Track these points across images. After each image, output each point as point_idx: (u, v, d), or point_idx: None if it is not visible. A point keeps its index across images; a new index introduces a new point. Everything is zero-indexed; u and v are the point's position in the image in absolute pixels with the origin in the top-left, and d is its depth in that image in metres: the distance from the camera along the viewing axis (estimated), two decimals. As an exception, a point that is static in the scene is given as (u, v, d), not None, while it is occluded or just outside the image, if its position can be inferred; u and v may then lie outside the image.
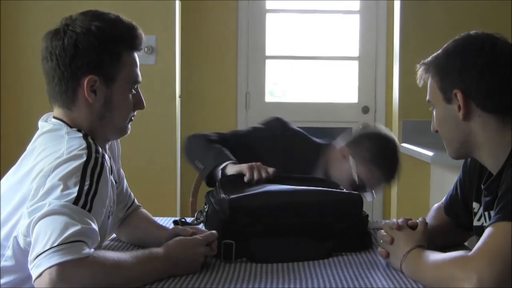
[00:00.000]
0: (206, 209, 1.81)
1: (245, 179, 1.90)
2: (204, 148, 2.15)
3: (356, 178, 2.16)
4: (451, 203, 1.73)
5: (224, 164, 2.02)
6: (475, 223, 1.61)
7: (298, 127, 2.39)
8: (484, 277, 1.23)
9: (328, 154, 2.28)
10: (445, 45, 1.53)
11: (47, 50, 1.51)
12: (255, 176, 1.90)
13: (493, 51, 1.46)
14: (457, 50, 1.50)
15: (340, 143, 2.29)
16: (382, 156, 2.20)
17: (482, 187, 1.54)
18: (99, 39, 1.49)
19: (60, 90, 1.51)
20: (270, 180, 1.91)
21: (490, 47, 1.46)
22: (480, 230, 1.43)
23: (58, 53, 1.49)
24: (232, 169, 1.99)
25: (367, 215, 1.77)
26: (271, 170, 1.93)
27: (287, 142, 2.30)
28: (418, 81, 1.57)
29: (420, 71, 1.56)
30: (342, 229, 1.70)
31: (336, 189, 1.87)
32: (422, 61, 1.56)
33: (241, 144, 2.24)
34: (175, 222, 1.89)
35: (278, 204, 1.69)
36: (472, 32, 1.52)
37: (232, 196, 1.68)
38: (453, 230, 1.72)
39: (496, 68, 1.45)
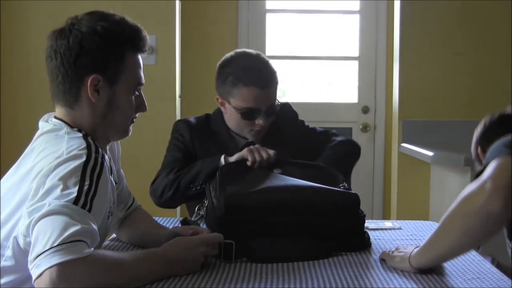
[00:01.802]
0: (206, 204, 1.82)
1: (248, 162, 1.91)
2: (185, 173, 2.09)
3: (237, 109, 2.13)
4: None
5: (221, 160, 2.01)
6: None
7: None
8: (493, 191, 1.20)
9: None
10: None
11: (52, 48, 1.51)
12: (257, 157, 1.90)
13: None
14: None
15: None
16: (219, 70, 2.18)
17: None
18: (104, 39, 1.49)
19: (63, 89, 1.51)
20: (271, 164, 1.91)
21: None
22: None
23: (62, 52, 1.49)
24: (231, 158, 2.00)
25: (364, 215, 1.76)
26: (271, 151, 1.95)
27: (200, 132, 2.26)
28: None
29: None
30: (340, 229, 1.69)
31: (336, 178, 1.87)
32: None
33: (185, 156, 2.22)
34: (182, 222, 1.87)
35: (273, 202, 1.68)
36: None
37: (228, 194, 1.67)
38: None
39: None
